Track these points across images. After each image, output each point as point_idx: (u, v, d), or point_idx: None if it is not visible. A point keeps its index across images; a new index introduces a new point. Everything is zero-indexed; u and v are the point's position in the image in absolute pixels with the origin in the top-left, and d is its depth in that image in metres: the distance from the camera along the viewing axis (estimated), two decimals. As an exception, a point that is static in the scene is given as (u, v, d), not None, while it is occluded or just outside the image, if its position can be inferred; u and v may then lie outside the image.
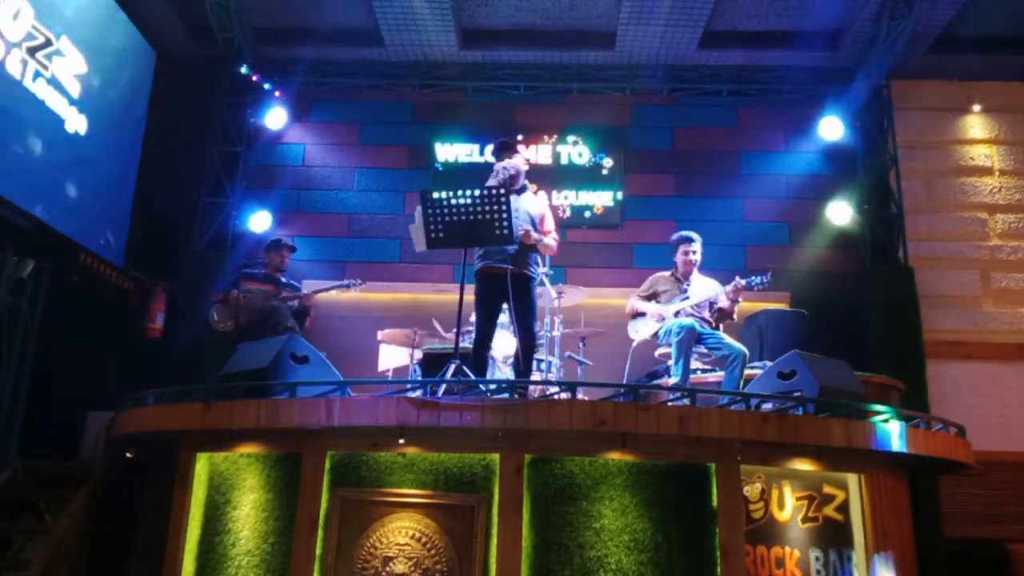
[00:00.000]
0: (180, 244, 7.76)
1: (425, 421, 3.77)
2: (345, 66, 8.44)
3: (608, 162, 8.26)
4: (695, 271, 5.69)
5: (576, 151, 8.30)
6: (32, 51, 5.68)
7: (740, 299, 5.44)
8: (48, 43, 5.86)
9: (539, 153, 8.29)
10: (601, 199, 8.16)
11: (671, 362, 5.25)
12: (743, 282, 5.34)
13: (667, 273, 5.78)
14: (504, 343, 5.75)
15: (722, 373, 5.23)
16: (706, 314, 5.54)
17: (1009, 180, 8.10)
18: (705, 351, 5.42)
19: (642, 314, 5.69)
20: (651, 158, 8.32)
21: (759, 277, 5.30)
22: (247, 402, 4.10)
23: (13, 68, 5.51)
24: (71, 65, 6.18)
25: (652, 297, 5.73)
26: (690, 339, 5.15)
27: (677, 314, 5.48)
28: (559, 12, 7.78)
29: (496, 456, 3.90)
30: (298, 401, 3.99)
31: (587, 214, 8.14)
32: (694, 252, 5.69)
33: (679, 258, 5.75)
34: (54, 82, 5.98)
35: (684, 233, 5.78)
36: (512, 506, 3.81)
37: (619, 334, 6.61)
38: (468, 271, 4.63)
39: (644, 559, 3.78)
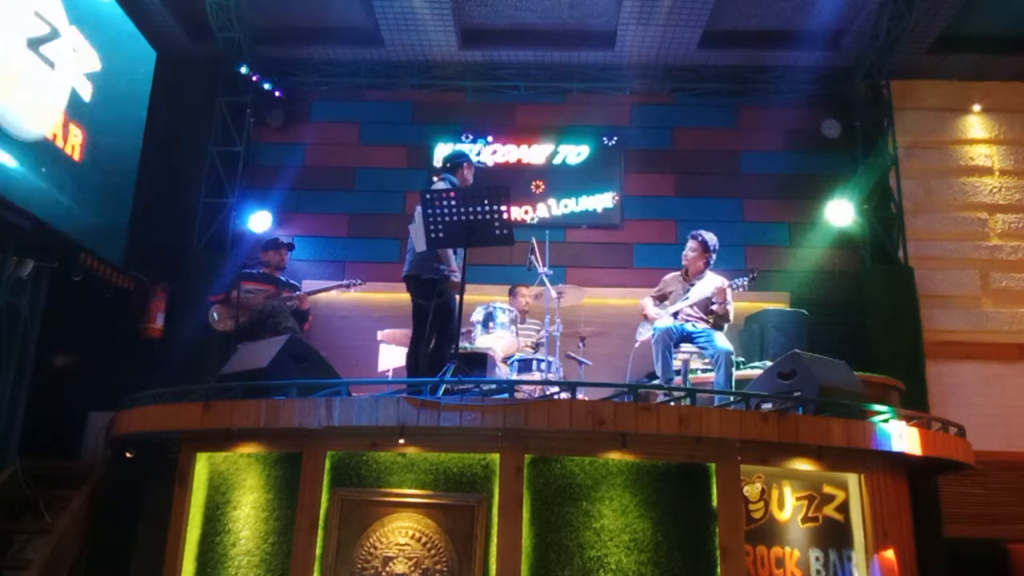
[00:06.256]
0: (180, 244, 7.77)
1: (425, 421, 3.77)
2: (345, 66, 8.45)
3: (608, 162, 8.25)
4: (708, 271, 5.69)
5: (576, 151, 8.30)
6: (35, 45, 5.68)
7: (723, 300, 5.44)
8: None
9: (539, 153, 8.30)
10: (601, 199, 8.16)
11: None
12: (724, 285, 5.42)
13: (677, 273, 5.80)
14: (504, 343, 5.76)
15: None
16: (703, 314, 5.55)
17: (1009, 180, 8.10)
18: (696, 350, 5.44)
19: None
20: (651, 158, 8.32)
21: (740, 279, 5.38)
22: (247, 402, 4.10)
23: (16, 63, 5.51)
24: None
25: (663, 298, 5.75)
26: (663, 341, 5.23)
27: (676, 315, 5.50)
28: (559, 12, 7.78)
29: (496, 456, 3.90)
30: (298, 401, 3.99)
31: (587, 214, 8.14)
32: (691, 251, 5.70)
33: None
34: (54, 82, 5.98)
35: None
36: (512, 506, 3.81)
37: (619, 334, 6.62)
38: (469, 271, 4.63)
39: (644, 559, 3.78)
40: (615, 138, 8.31)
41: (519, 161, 8.28)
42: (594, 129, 8.35)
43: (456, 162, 5.24)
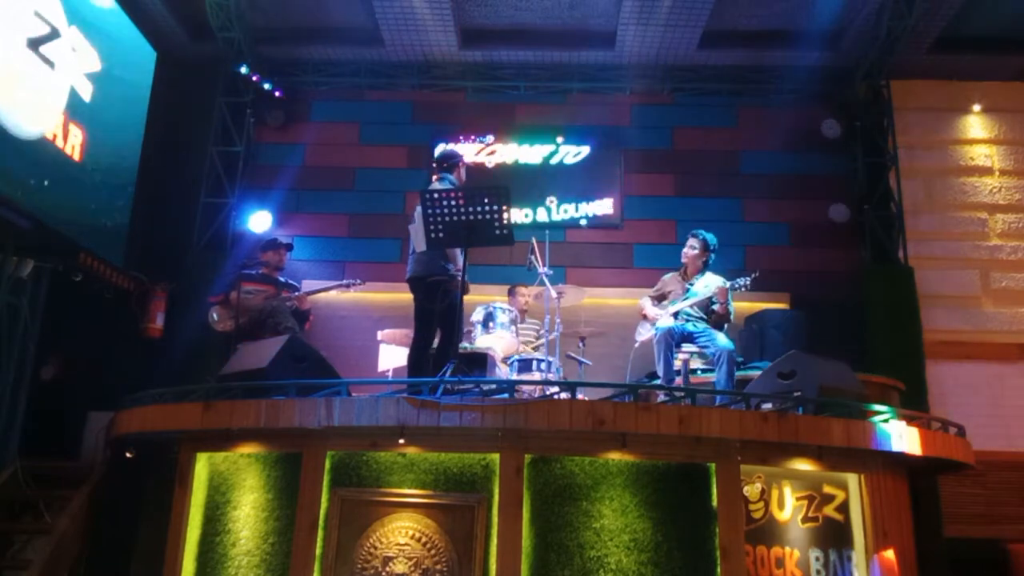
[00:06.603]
0: (180, 244, 7.77)
1: (425, 421, 3.77)
2: (345, 66, 8.45)
3: (608, 162, 8.24)
4: (707, 271, 5.69)
5: (576, 151, 8.29)
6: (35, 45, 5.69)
7: (725, 300, 5.42)
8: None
9: (538, 153, 8.29)
10: (600, 205, 8.14)
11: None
12: (726, 285, 5.39)
13: (676, 273, 5.81)
14: (504, 343, 5.76)
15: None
16: (703, 314, 5.55)
17: (1009, 180, 8.10)
18: (697, 349, 5.44)
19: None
20: (651, 158, 8.32)
21: (741, 279, 5.34)
22: (247, 402, 4.10)
23: (16, 63, 5.51)
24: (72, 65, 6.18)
25: (662, 298, 5.76)
26: (665, 341, 5.25)
27: (676, 315, 5.50)
28: (559, 12, 7.78)
29: (496, 456, 3.90)
30: (298, 401, 3.99)
31: (587, 214, 8.13)
32: (691, 249, 5.71)
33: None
34: (54, 82, 5.97)
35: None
36: (512, 506, 3.81)
37: (619, 334, 6.63)
38: (469, 271, 4.64)
39: (644, 559, 3.78)
40: (615, 138, 8.31)
41: (518, 161, 8.28)
42: (594, 129, 8.34)
43: (452, 161, 5.25)
